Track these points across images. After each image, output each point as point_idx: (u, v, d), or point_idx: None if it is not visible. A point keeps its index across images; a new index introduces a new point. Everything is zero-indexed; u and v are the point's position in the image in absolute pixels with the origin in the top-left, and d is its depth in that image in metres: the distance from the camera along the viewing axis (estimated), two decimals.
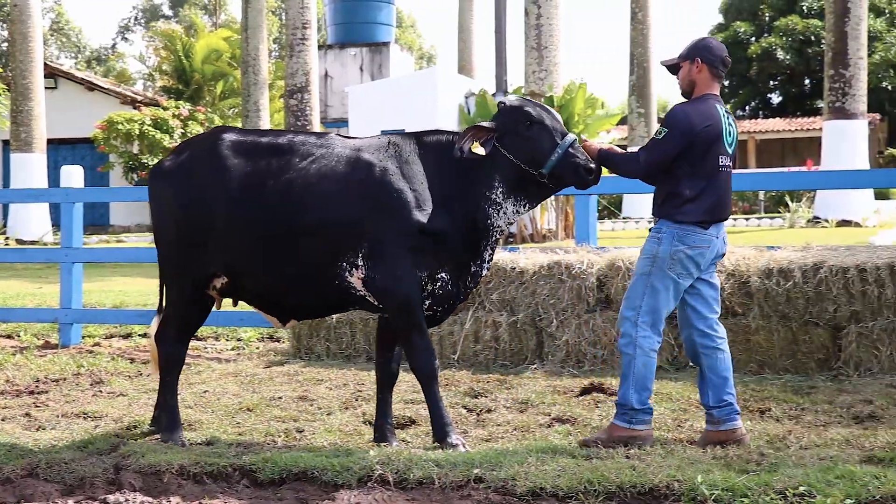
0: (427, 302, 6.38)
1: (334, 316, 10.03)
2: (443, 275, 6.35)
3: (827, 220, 23.96)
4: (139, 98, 38.14)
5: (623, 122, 34.24)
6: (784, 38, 47.72)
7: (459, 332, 9.50)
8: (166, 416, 6.68)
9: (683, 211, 6.17)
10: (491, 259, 6.55)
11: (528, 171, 6.27)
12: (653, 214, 6.45)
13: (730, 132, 6.29)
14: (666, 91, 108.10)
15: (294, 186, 6.36)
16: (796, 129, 43.24)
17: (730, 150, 6.30)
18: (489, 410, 7.35)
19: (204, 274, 6.59)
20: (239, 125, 35.58)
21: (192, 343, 11.44)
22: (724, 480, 4.88)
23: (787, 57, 47.71)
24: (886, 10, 47.67)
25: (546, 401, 7.60)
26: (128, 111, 34.77)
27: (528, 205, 6.44)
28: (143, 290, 15.34)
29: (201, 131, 36.56)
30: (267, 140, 6.62)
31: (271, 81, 38.63)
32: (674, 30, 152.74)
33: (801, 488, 4.75)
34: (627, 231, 25.81)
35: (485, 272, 6.58)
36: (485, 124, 6.34)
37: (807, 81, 50.30)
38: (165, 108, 35.68)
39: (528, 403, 7.54)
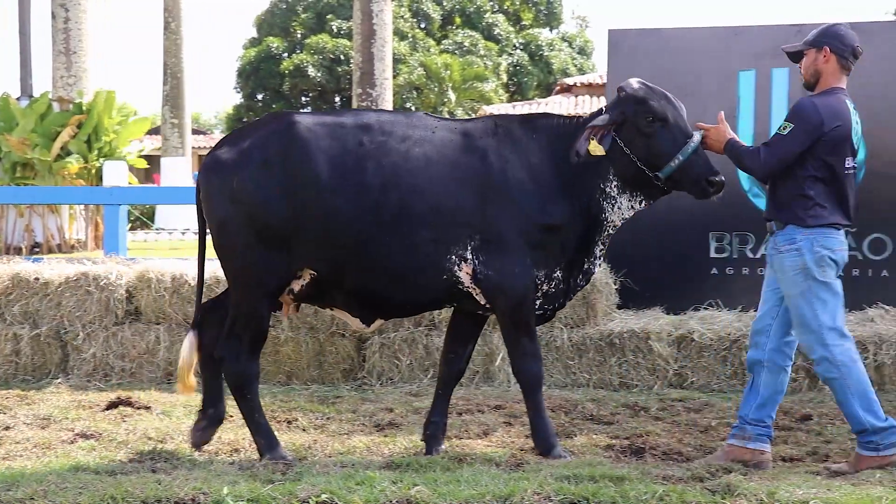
0: (538, 301, 5.96)
1: None
2: (558, 273, 5.93)
3: None
4: None
5: (157, 132, 33.81)
6: (315, 56, 49.10)
7: None
8: (263, 438, 6.02)
9: (815, 214, 5.68)
10: (602, 255, 6.12)
11: (644, 171, 5.76)
12: (770, 218, 5.93)
13: (856, 131, 5.80)
14: (199, 103, 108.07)
15: (400, 170, 5.74)
16: None
17: (856, 150, 5.83)
18: (7, 428, 6.99)
19: (287, 277, 5.89)
20: None
21: None
22: (250, 491, 4.93)
23: (319, 74, 49.10)
24: (409, 35, 50.16)
25: (70, 416, 7.37)
26: None
27: (644, 202, 5.94)
28: None
29: None
30: (351, 120, 5.92)
31: None
32: (208, 41, 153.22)
33: (324, 496, 4.87)
34: (160, 242, 25.43)
35: (595, 269, 6.14)
36: (600, 121, 5.81)
37: (337, 99, 51.91)
38: None
39: (50, 419, 7.27)
